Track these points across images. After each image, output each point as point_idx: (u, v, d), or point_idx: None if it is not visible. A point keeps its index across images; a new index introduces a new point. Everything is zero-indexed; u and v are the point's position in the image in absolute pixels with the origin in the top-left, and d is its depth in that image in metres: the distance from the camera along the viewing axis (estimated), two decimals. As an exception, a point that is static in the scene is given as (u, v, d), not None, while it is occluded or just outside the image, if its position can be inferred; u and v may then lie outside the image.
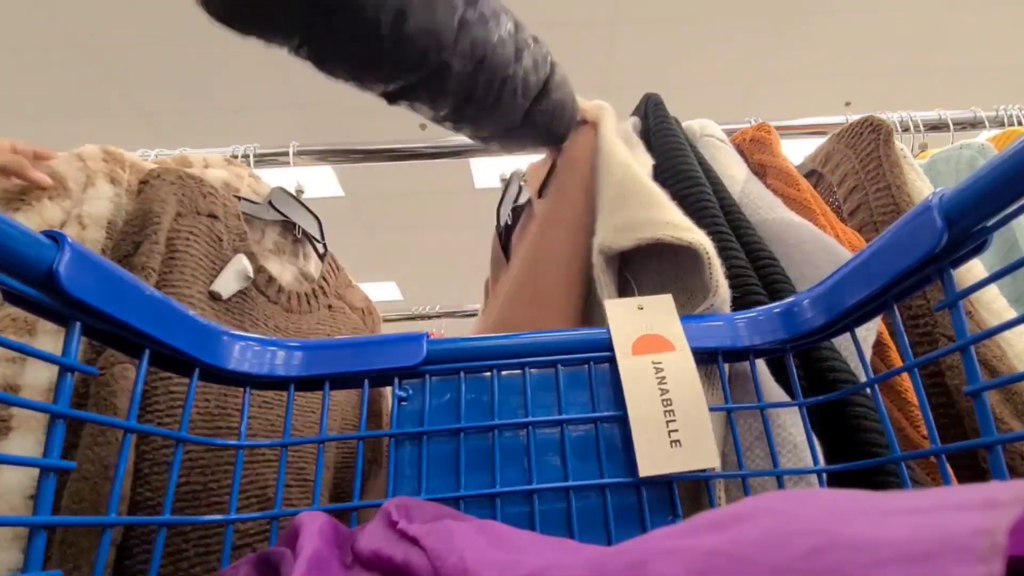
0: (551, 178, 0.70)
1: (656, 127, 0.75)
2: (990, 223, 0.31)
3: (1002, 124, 0.98)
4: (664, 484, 0.41)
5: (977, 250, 0.33)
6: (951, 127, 0.98)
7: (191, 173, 0.64)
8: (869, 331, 0.53)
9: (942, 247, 0.32)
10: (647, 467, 0.40)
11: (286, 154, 0.95)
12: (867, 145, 0.77)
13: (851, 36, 2.66)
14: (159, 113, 2.83)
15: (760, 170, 0.77)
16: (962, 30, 2.64)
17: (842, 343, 0.52)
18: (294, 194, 0.83)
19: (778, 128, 0.96)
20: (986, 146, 0.87)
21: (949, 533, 0.13)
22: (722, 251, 0.56)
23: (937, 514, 0.14)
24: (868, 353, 0.52)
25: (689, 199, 0.62)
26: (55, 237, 0.30)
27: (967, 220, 0.31)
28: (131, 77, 2.61)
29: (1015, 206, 0.29)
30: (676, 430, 0.41)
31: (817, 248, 0.59)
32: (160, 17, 2.32)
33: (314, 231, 0.84)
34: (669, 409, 0.41)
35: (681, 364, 0.43)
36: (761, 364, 0.47)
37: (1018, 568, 0.13)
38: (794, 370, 0.45)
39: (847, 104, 3.05)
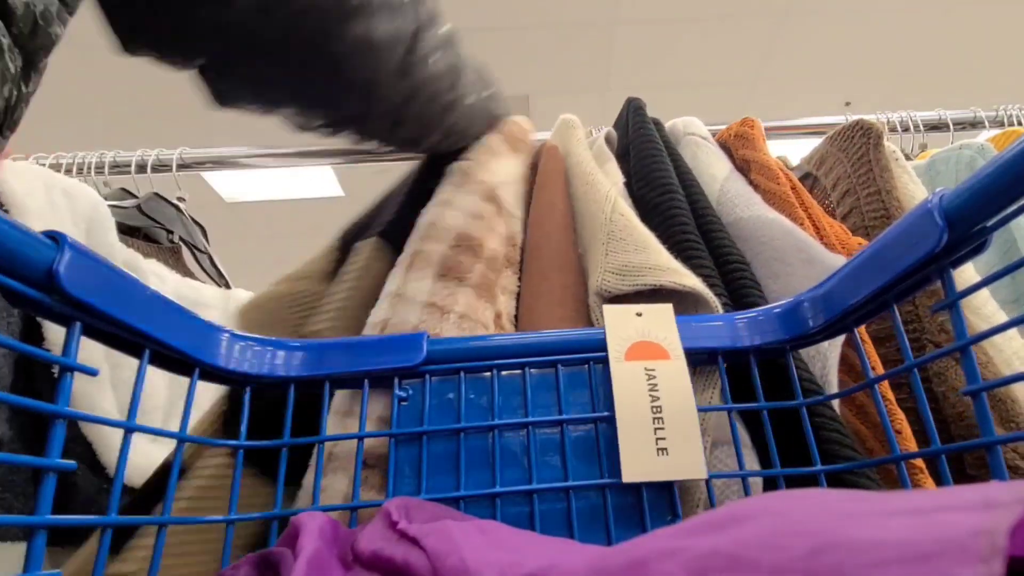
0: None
1: (634, 133, 0.76)
2: (990, 223, 0.31)
3: (1002, 124, 0.98)
4: (664, 484, 0.41)
5: (977, 250, 0.33)
6: (951, 127, 0.98)
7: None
8: (833, 345, 0.52)
9: (942, 247, 0.32)
10: (630, 473, 0.39)
11: (286, 154, 0.95)
12: (858, 149, 0.77)
13: (851, 36, 2.66)
14: (159, 113, 2.83)
15: (745, 165, 0.76)
16: (962, 30, 2.64)
17: (810, 351, 0.51)
18: (174, 201, 0.85)
19: (778, 128, 0.96)
20: (985, 146, 0.87)
21: (949, 534, 0.13)
22: (688, 260, 0.57)
23: (937, 515, 0.14)
24: (835, 367, 0.52)
25: (660, 207, 0.64)
26: (55, 237, 0.30)
27: (967, 220, 0.31)
28: (131, 77, 2.61)
29: (1015, 206, 0.29)
30: (663, 438, 0.40)
31: (788, 245, 0.59)
32: (160, 17, 2.32)
33: (196, 239, 0.86)
34: (658, 416, 0.41)
35: (674, 372, 0.43)
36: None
37: (1018, 569, 0.13)
38: (795, 370, 0.45)
39: (847, 104, 3.05)
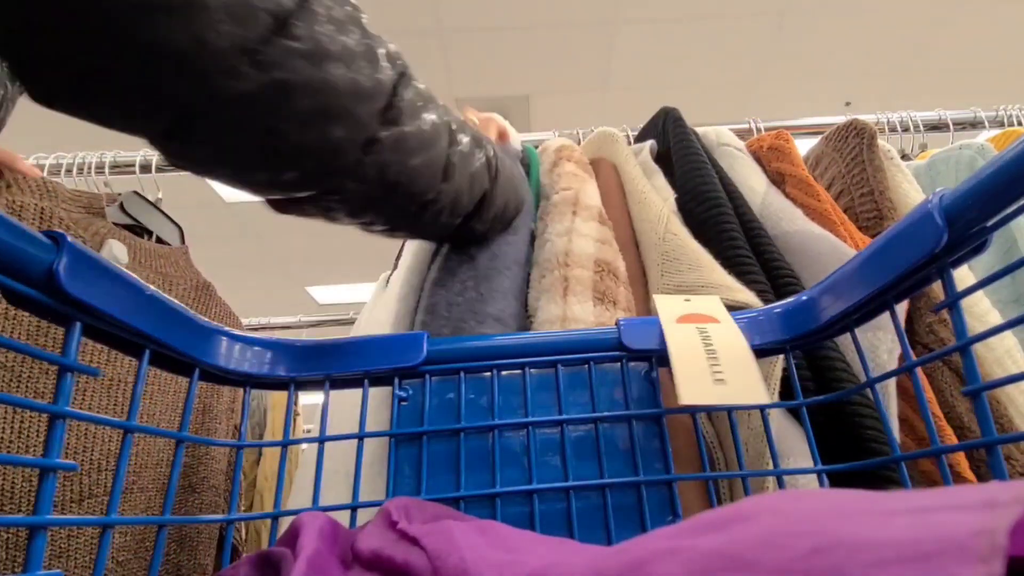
0: None
1: (677, 146, 0.76)
2: (990, 223, 0.31)
3: (1002, 124, 0.98)
4: (664, 484, 0.41)
5: (977, 250, 0.33)
6: (951, 127, 0.98)
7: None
8: (894, 342, 0.53)
9: (942, 247, 0.32)
10: (687, 395, 0.38)
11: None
12: (852, 149, 0.77)
13: (851, 36, 2.66)
14: (159, 113, 2.83)
15: (778, 178, 0.76)
16: (962, 30, 2.64)
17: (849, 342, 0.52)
18: (152, 201, 0.84)
19: (777, 128, 0.96)
20: (985, 146, 0.87)
21: (950, 533, 0.13)
22: (742, 275, 0.57)
23: (937, 514, 0.14)
24: (896, 354, 0.52)
25: (710, 221, 0.64)
26: (55, 237, 0.30)
27: (967, 220, 0.31)
28: (131, 77, 2.60)
29: (1015, 206, 0.29)
30: (720, 371, 0.40)
31: (836, 261, 0.59)
32: (160, 17, 2.32)
33: (173, 239, 0.86)
34: (713, 357, 0.41)
35: (726, 329, 0.43)
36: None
37: (1018, 568, 0.13)
38: (794, 370, 0.45)
39: (847, 104, 3.05)
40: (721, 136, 0.82)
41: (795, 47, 2.71)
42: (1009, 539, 0.12)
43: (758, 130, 0.94)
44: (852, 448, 0.46)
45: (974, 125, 0.99)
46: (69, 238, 0.30)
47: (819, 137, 0.89)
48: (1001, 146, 0.89)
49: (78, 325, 0.32)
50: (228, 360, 0.41)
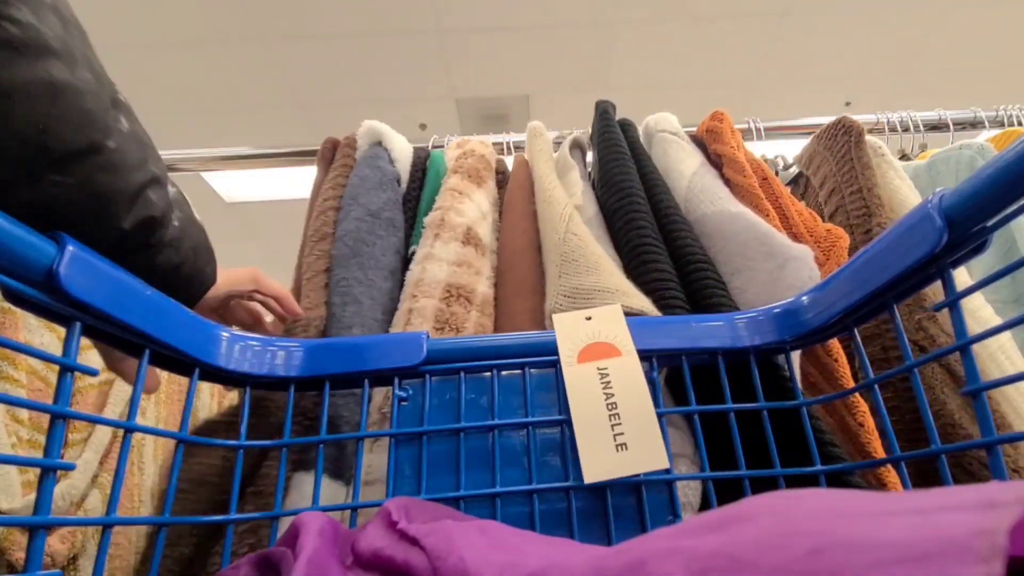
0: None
1: (598, 139, 0.77)
2: (990, 223, 0.31)
3: (1002, 124, 0.98)
4: (664, 484, 0.41)
5: (977, 250, 0.33)
6: (951, 127, 0.98)
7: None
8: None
9: (942, 247, 0.32)
10: (591, 473, 0.39)
11: (286, 154, 0.95)
12: (842, 147, 0.77)
13: (851, 36, 2.66)
14: (158, 114, 2.83)
15: (718, 160, 0.76)
16: (962, 30, 2.64)
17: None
18: None
19: (778, 128, 0.96)
20: (985, 146, 0.87)
21: (950, 534, 0.13)
22: (643, 264, 0.57)
23: (938, 515, 0.14)
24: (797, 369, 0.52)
25: (620, 211, 0.64)
26: (55, 237, 0.30)
27: (967, 220, 0.31)
28: (131, 78, 2.61)
29: (1015, 206, 0.29)
30: (622, 433, 0.40)
31: (749, 238, 0.59)
32: (158, 19, 2.32)
33: None
34: (614, 413, 0.41)
35: (627, 368, 0.43)
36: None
37: (1018, 568, 0.13)
38: (795, 370, 0.45)
39: (847, 104, 3.05)
40: (659, 123, 0.81)
41: (795, 47, 2.70)
42: (1009, 539, 0.12)
43: (758, 130, 0.94)
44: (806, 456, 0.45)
45: (974, 125, 0.99)
46: (70, 239, 0.30)
47: (819, 137, 0.89)
48: (1001, 146, 0.89)
49: (78, 325, 0.32)
50: (228, 360, 0.41)
